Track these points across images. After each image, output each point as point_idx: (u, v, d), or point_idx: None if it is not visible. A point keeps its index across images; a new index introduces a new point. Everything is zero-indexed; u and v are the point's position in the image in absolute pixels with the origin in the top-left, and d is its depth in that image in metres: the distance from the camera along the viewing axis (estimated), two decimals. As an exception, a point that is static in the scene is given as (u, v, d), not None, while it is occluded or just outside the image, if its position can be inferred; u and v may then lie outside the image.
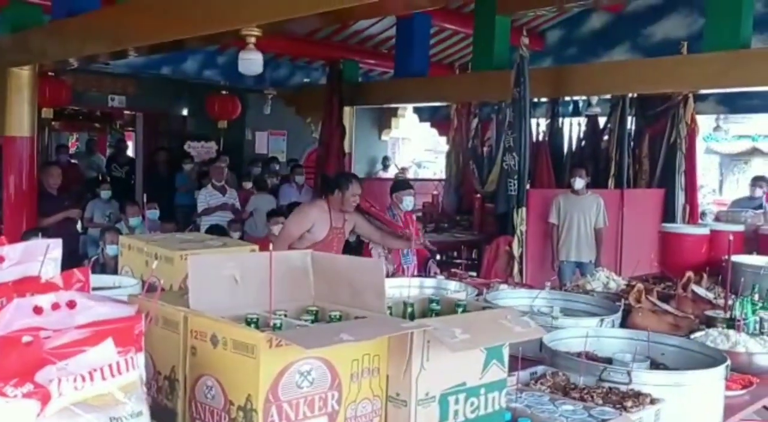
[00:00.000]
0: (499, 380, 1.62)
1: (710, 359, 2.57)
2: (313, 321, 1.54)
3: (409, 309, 1.71)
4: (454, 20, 8.81)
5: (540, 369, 2.50)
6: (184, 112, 11.50)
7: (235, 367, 1.33)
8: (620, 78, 6.91)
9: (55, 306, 1.33)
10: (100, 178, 10.64)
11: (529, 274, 6.67)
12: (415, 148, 20.31)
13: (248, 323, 1.48)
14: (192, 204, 9.03)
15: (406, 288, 3.60)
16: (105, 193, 8.50)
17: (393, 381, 1.49)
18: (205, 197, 8.18)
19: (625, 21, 9.14)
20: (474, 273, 6.95)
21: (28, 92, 6.19)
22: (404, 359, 1.46)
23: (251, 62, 4.48)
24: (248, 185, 8.99)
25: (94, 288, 2.68)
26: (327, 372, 1.38)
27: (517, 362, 2.16)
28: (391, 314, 1.65)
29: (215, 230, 6.57)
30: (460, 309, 1.71)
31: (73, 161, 11.63)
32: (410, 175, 16.82)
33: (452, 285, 3.67)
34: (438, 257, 8.58)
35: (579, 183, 6.90)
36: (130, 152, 12.49)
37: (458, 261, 8.12)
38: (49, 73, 7.69)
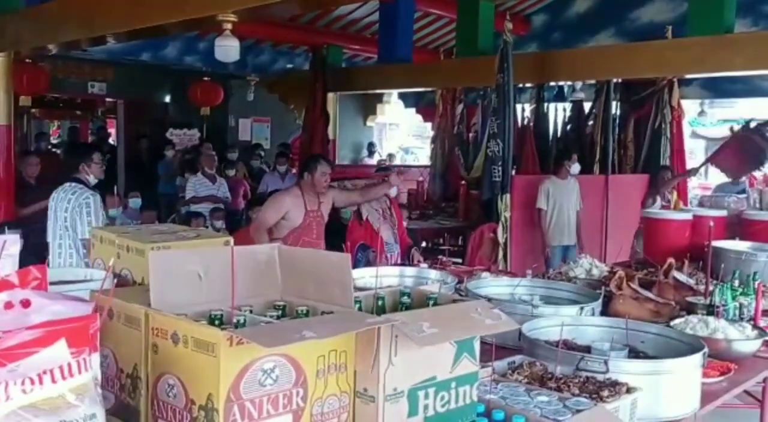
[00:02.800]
0: (470, 373, 1.60)
1: (689, 346, 2.56)
2: (279, 317, 1.51)
3: (380, 303, 1.67)
4: (438, 5, 8.73)
5: (518, 358, 2.48)
6: (166, 99, 11.37)
7: (196, 366, 1.30)
8: (604, 63, 6.89)
9: (9, 305, 1.29)
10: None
11: (514, 261, 6.66)
12: (402, 134, 20.25)
13: (212, 320, 1.45)
14: (174, 192, 8.95)
15: (384, 277, 3.60)
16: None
17: (360, 377, 1.46)
18: (194, 185, 8.03)
19: (610, 5, 9.10)
20: (460, 261, 6.96)
21: (3, 79, 6.08)
22: (371, 354, 1.44)
23: (228, 49, 4.41)
24: (231, 172, 8.89)
25: (66, 281, 2.63)
26: (291, 369, 1.35)
27: (494, 352, 2.14)
28: (360, 308, 1.62)
29: (192, 217, 6.52)
30: (431, 302, 1.68)
31: (54, 149, 11.48)
32: (397, 161, 16.77)
33: (432, 274, 3.64)
34: (423, 244, 8.57)
35: (575, 167, 6.92)
36: (111, 140, 12.36)
37: (443, 248, 8.11)
38: (27, 60, 7.57)
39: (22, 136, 10.02)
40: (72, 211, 4.55)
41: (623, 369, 2.29)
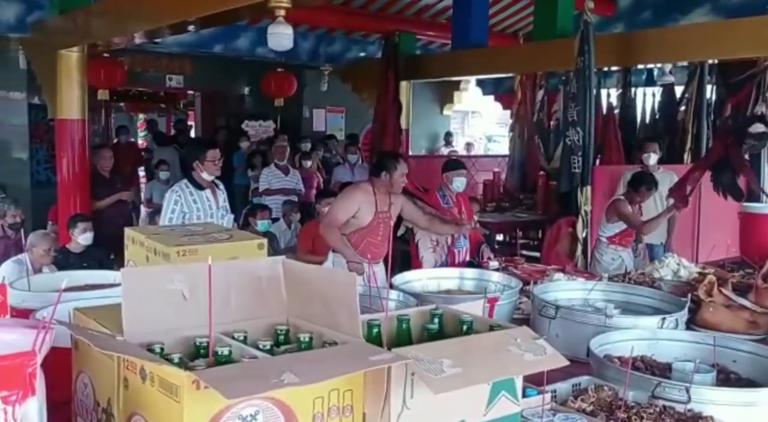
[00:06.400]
0: (508, 415, 1.33)
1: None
2: (273, 346, 1.28)
3: (404, 326, 1.42)
4: (515, -14, 8.30)
5: (584, 380, 2.17)
6: (242, 91, 11.42)
7: (162, 408, 1.09)
8: (697, 43, 6.30)
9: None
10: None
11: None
12: (486, 122, 19.77)
13: (197, 349, 1.24)
14: (248, 184, 8.94)
15: (443, 279, 3.33)
16: (163, 175, 8.54)
17: (370, 421, 1.22)
18: (267, 177, 7.98)
19: (706, -20, 8.40)
20: (538, 255, 6.55)
21: (77, 74, 6.15)
22: (382, 395, 1.18)
23: (280, 37, 4.22)
24: (307, 164, 8.76)
25: (95, 286, 2.50)
26: (279, 414, 1.12)
27: (552, 373, 1.82)
28: (379, 333, 1.37)
29: (258, 209, 6.44)
30: (464, 327, 1.41)
31: (131, 140, 11.72)
32: (480, 150, 16.34)
33: (495, 276, 3.35)
34: (500, 237, 8.20)
35: (652, 158, 6.34)
36: (192, 132, 12.56)
37: (521, 242, 7.70)
38: (104, 55, 7.69)
39: (103, 129, 10.26)
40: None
41: (709, 399, 1.95)
